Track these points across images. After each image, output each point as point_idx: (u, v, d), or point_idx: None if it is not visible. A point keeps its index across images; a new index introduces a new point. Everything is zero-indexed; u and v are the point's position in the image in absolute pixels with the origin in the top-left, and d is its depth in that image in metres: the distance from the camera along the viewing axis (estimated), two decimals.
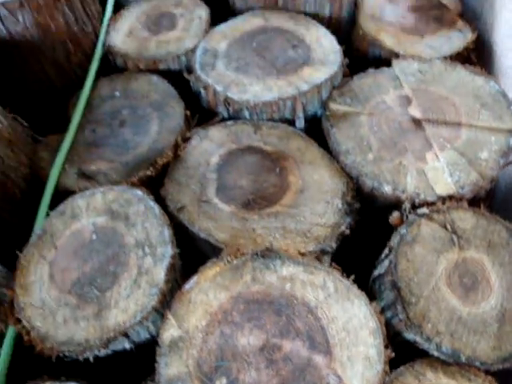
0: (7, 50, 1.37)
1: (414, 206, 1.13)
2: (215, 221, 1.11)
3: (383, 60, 1.49)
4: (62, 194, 1.17)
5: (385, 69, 1.39)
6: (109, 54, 1.45)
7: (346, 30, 1.61)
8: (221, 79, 1.29)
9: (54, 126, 1.34)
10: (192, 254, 1.07)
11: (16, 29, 1.33)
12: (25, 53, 1.38)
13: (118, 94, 1.35)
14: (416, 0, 1.64)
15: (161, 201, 1.13)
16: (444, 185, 1.14)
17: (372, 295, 1.04)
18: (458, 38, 1.53)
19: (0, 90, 1.35)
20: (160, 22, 1.48)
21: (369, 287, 1.08)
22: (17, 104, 1.30)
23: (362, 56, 1.55)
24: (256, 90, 1.26)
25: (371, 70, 1.39)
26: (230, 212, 1.13)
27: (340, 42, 1.46)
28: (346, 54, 1.42)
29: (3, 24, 1.32)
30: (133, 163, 1.20)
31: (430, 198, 1.13)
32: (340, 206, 1.15)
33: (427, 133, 1.23)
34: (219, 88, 1.27)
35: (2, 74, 1.42)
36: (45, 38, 1.36)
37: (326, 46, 1.37)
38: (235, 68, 1.32)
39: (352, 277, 0.91)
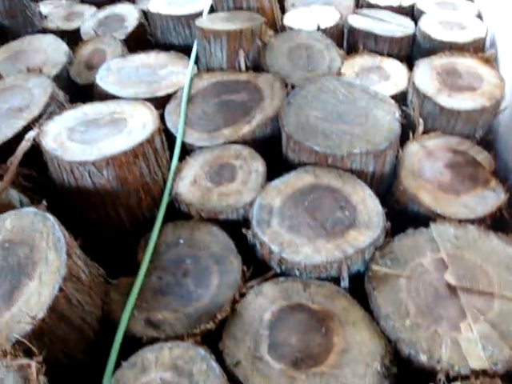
0: (90, 198, 1.61)
1: (449, 378, 1.25)
2: (267, 378, 1.26)
3: (422, 216, 1.68)
4: (130, 339, 1.36)
5: (423, 230, 1.56)
6: (175, 201, 1.67)
7: (388, 182, 1.81)
8: (276, 238, 1.48)
9: (124, 268, 1.55)
10: None
11: (100, 181, 1.57)
12: (104, 200, 1.62)
13: (182, 241, 1.56)
14: (452, 156, 1.84)
15: (219, 354, 1.29)
16: (477, 358, 1.27)
17: None
18: (492, 198, 1.71)
19: (79, 233, 1.56)
20: (221, 173, 1.71)
21: None
22: (92, 246, 1.52)
23: (402, 209, 1.74)
24: (307, 251, 1.45)
25: (410, 231, 1.56)
26: (280, 370, 1.28)
27: (382, 194, 1.66)
28: (386, 204, 1.61)
29: (90, 177, 1.56)
30: (195, 315, 1.37)
31: (463, 371, 1.25)
32: (379, 368, 1.29)
33: (462, 301, 1.38)
34: (274, 248, 1.46)
35: (82, 217, 1.66)
36: (122, 187, 1.60)
37: (370, 208, 1.56)
38: (288, 227, 1.51)
39: None
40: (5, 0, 2.64)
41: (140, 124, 1.68)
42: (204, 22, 2.14)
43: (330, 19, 2.41)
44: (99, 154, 1.55)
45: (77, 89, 2.33)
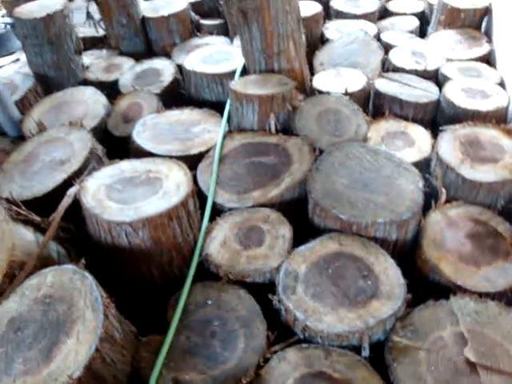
0: (124, 255, 1.71)
1: None
2: None
3: (442, 286, 1.73)
4: None
5: (443, 302, 1.62)
6: (204, 262, 1.76)
7: (410, 249, 1.87)
8: (300, 305, 1.55)
9: (153, 324, 1.63)
10: None
11: (135, 240, 1.67)
12: (138, 258, 1.72)
13: (210, 302, 1.64)
14: (473, 226, 1.90)
15: None
16: None
17: None
18: None
19: (111, 286, 1.65)
20: (250, 236, 1.80)
21: None
22: (123, 299, 1.60)
23: (422, 277, 1.80)
24: (330, 320, 1.51)
25: (431, 303, 1.62)
26: None
27: (403, 260, 1.73)
28: (407, 271, 1.68)
29: (126, 237, 1.66)
30: (221, 378, 1.44)
31: None
32: None
33: (482, 379, 1.42)
34: (299, 315, 1.53)
35: (115, 271, 1.76)
36: (155, 247, 1.70)
37: (392, 279, 1.62)
38: (312, 294, 1.58)
39: None
40: (53, 53, 2.83)
41: (174, 185, 1.79)
42: (237, 84, 2.26)
43: (357, 83, 2.52)
44: (136, 215, 1.66)
45: (113, 140, 2.47)
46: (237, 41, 3.02)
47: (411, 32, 3.39)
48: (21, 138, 2.59)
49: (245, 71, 2.60)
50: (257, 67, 2.47)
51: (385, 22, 3.54)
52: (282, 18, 2.33)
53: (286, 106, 2.20)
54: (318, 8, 3.26)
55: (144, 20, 3.29)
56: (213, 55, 2.79)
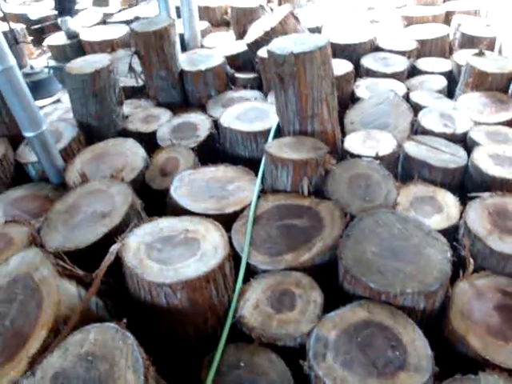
0: (161, 314, 1.80)
1: None
2: None
3: (470, 358, 1.77)
4: None
5: (471, 377, 1.65)
6: (237, 323, 1.84)
7: (437, 319, 1.92)
8: (330, 373, 1.61)
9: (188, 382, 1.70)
10: None
11: (173, 301, 1.76)
12: (174, 317, 1.81)
13: (242, 364, 1.71)
14: (502, 298, 1.94)
15: None
16: None
17: None
18: None
19: (147, 345, 1.74)
20: (282, 300, 1.87)
21: None
22: (158, 358, 1.68)
23: (450, 348, 1.84)
24: None
25: (459, 377, 1.66)
26: None
27: (431, 331, 1.77)
28: (434, 340, 1.72)
29: (165, 297, 1.76)
30: None
31: None
32: None
33: None
34: (328, 383, 1.58)
35: (151, 327, 1.84)
36: (191, 307, 1.79)
37: (420, 351, 1.67)
38: (342, 362, 1.64)
39: None
40: (97, 105, 3.01)
41: (212, 247, 1.89)
42: (272, 147, 2.38)
43: (387, 146, 2.62)
44: (175, 276, 1.76)
45: (150, 192, 2.60)
46: (271, 97, 3.17)
47: (439, 91, 3.50)
48: (63, 186, 2.74)
49: (279, 130, 2.73)
50: (291, 128, 2.59)
51: (414, 81, 3.65)
52: (316, 83, 2.46)
53: (319, 170, 2.30)
54: (349, 67, 3.40)
55: (182, 73, 3.47)
56: (248, 112, 2.93)
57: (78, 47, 5.48)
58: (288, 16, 3.48)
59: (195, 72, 3.41)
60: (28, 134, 2.59)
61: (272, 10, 3.74)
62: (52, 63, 5.63)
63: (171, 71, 3.41)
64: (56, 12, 6.60)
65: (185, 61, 3.55)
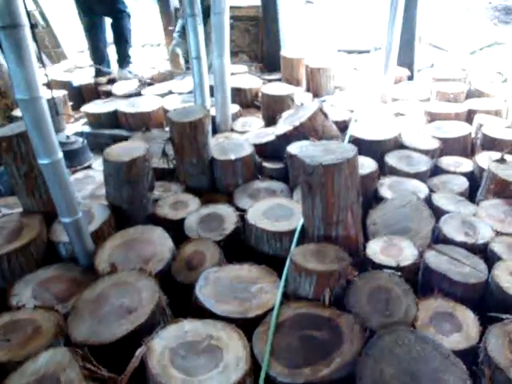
0: None
1: None
2: None
3: None
4: None
5: None
6: None
7: None
8: None
9: None
10: None
11: None
12: None
13: None
14: None
15: None
16: None
17: None
18: None
19: None
20: None
21: None
22: None
23: None
24: None
25: None
26: None
27: None
28: None
29: None
30: None
31: None
32: None
33: None
34: None
35: None
36: None
37: None
38: None
39: None
40: (130, 190, 3.16)
41: (234, 360, 1.95)
42: (297, 255, 2.47)
43: (408, 256, 2.69)
44: None
45: (175, 284, 2.68)
46: (296, 194, 3.29)
47: (461, 193, 3.58)
48: (91, 268, 2.85)
49: (303, 230, 2.82)
50: (315, 232, 2.69)
51: (436, 180, 3.76)
52: (343, 192, 2.57)
53: (340, 281, 2.37)
54: (373, 166, 3.53)
55: (212, 160, 3.63)
56: (274, 209, 3.05)
57: (113, 116, 5.78)
58: (317, 112, 3.67)
59: (225, 161, 3.57)
60: (64, 220, 2.73)
61: (302, 103, 3.91)
62: (87, 129, 5.94)
63: (202, 159, 3.58)
64: (94, 78, 7.02)
65: (215, 148, 3.73)
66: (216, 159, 3.60)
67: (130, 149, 3.21)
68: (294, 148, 3.42)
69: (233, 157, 3.56)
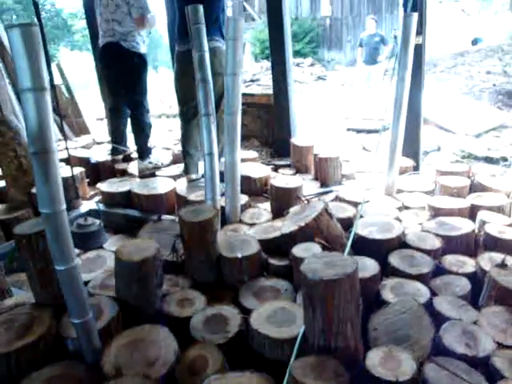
0: None
1: None
2: None
3: None
4: None
5: None
6: None
7: None
8: None
9: None
10: None
11: None
12: None
13: None
14: None
15: None
16: None
17: None
18: None
19: None
20: None
21: None
22: None
23: None
24: None
25: None
26: None
27: None
28: None
29: None
30: None
31: None
32: None
33: None
34: None
35: None
36: None
37: None
38: None
39: None
40: (139, 287, 3.28)
41: None
42: (297, 368, 2.54)
43: (407, 370, 2.70)
44: None
45: None
46: (299, 298, 3.38)
47: (463, 297, 3.64)
48: (97, 366, 2.92)
49: (304, 336, 2.90)
50: (316, 341, 2.77)
51: (438, 281, 3.83)
52: (343, 307, 2.67)
53: None
54: (376, 269, 3.63)
55: (219, 257, 3.77)
56: (277, 314, 3.13)
57: (127, 196, 6.02)
58: (322, 213, 3.82)
59: (232, 258, 3.70)
60: (74, 320, 2.84)
61: (308, 201, 4.09)
62: (100, 206, 6.17)
63: (210, 256, 3.72)
64: (111, 155, 7.34)
65: (223, 244, 3.87)
66: (223, 256, 3.74)
67: (141, 248, 3.36)
68: (298, 251, 3.55)
69: (239, 255, 3.70)
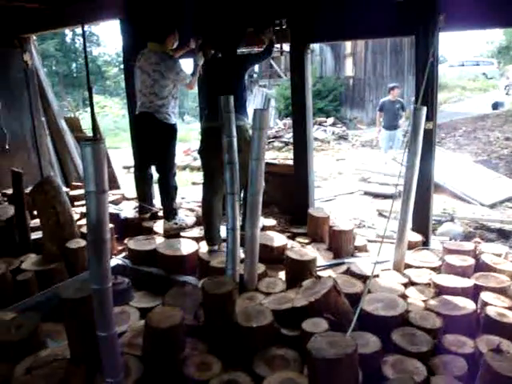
0: None
1: None
2: None
3: None
4: None
5: None
6: None
7: None
8: None
9: None
10: None
11: None
12: None
13: None
14: None
15: None
16: None
17: None
18: None
19: None
20: None
21: None
22: None
23: None
24: None
25: None
26: None
27: None
28: None
29: None
30: None
31: None
32: None
33: None
34: None
35: None
36: None
37: None
38: None
39: None
40: (164, 350, 3.72)
41: None
42: None
43: None
44: None
45: None
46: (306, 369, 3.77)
47: (460, 377, 3.95)
48: None
49: None
50: None
51: (437, 360, 4.15)
52: (344, 382, 3.07)
53: None
54: (378, 346, 4.00)
55: (236, 325, 4.20)
56: None
57: (152, 254, 6.50)
58: (331, 290, 4.25)
59: (247, 327, 4.13)
60: (108, 380, 3.29)
61: (318, 277, 4.53)
62: (127, 263, 6.65)
63: (227, 323, 4.15)
64: (138, 213, 7.88)
65: (240, 313, 4.31)
66: (239, 325, 4.17)
67: (168, 316, 3.82)
68: (307, 325, 3.97)
69: (254, 325, 4.12)
